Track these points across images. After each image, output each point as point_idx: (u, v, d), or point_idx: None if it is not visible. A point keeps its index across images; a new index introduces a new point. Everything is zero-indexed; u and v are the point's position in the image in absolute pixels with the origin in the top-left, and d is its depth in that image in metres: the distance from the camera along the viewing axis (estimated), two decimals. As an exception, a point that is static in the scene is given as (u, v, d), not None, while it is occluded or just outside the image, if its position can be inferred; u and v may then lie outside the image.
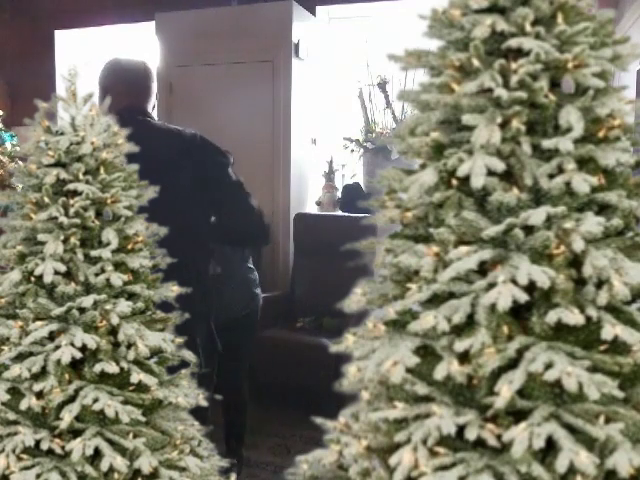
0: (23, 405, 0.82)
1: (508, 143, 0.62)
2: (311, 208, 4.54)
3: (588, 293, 0.60)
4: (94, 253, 0.85)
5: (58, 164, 0.87)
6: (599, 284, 0.60)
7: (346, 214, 4.22)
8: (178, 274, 2.07)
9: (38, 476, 0.78)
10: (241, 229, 2.21)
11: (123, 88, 2.22)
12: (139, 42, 4.88)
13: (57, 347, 0.81)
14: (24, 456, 0.80)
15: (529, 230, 0.61)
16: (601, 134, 0.63)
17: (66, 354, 0.80)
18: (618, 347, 0.59)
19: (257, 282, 2.92)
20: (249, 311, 2.85)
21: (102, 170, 0.88)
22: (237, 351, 2.77)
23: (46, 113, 0.90)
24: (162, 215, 2.10)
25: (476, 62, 0.63)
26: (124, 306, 0.84)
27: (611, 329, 0.58)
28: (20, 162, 3.82)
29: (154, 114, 2.31)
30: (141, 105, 2.23)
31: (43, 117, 0.90)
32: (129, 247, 0.88)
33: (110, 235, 0.86)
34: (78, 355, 0.81)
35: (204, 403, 0.91)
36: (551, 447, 0.56)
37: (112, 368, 0.82)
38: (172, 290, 0.92)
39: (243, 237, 2.26)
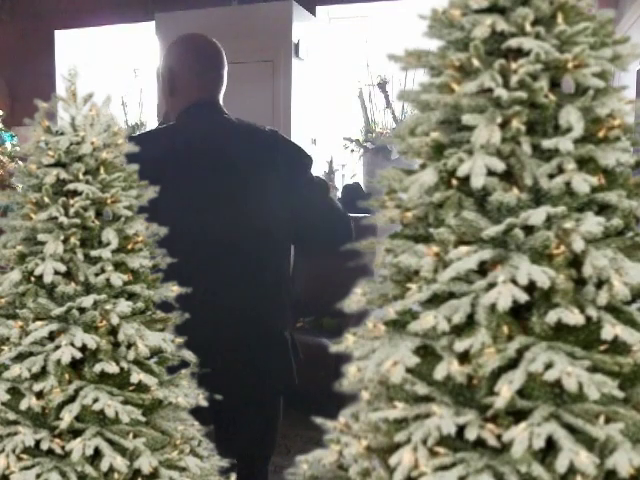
0: (23, 405, 0.82)
1: (508, 143, 0.62)
2: (311, 208, 4.53)
3: (588, 293, 0.60)
4: (94, 253, 0.85)
5: (58, 164, 0.87)
6: (599, 284, 0.60)
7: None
8: (259, 276, 1.98)
9: (38, 476, 0.78)
10: (328, 227, 2.03)
11: (197, 76, 1.98)
12: (139, 42, 4.88)
13: (57, 347, 0.81)
14: (24, 456, 0.80)
15: (529, 230, 0.61)
16: (601, 134, 0.63)
17: (66, 354, 0.80)
18: (618, 347, 0.60)
19: None
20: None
21: (102, 170, 0.88)
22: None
23: (46, 113, 0.90)
24: (242, 216, 2.02)
25: (476, 62, 0.63)
26: (124, 306, 0.84)
27: (611, 329, 0.58)
28: (20, 162, 3.82)
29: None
30: (214, 98, 1.99)
31: (43, 117, 0.90)
32: (129, 247, 0.88)
33: (110, 235, 0.86)
34: (78, 355, 0.81)
35: (204, 403, 0.91)
36: (551, 447, 0.56)
37: (112, 368, 0.82)
38: (172, 290, 0.92)
39: (330, 236, 2.06)
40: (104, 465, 0.78)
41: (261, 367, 1.98)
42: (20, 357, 0.84)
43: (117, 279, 0.85)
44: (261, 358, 1.97)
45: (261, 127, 2.01)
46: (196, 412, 0.93)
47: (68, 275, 0.86)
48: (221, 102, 2.05)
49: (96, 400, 0.80)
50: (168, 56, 2.03)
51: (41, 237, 0.85)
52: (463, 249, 0.61)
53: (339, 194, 4.46)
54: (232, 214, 1.88)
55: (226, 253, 1.89)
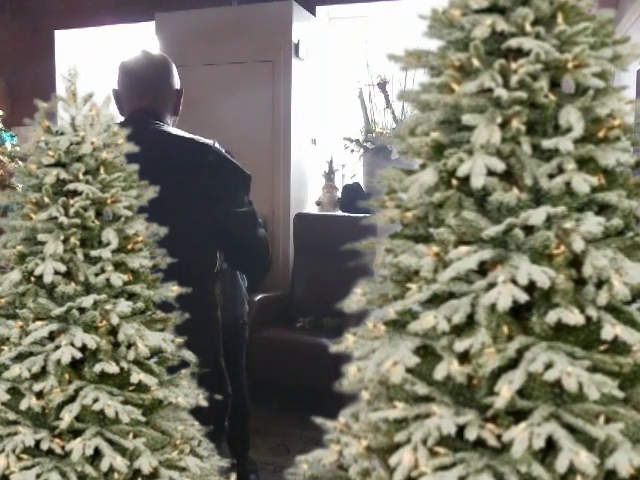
0: (23, 405, 0.82)
1: (508, 143, 0.62)
2: (311, 208, 4.54)
3: (588, 293, 0.60)
4: (94, 253, 0.85)
5: (58, 164, 0.87)
6: (599, 284, 0.60)
7: (346, 214, 4.23)
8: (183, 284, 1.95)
9: (38, 476, 0.78)
10: (243, 266, 2.06)
11: (130, 92, 2.02)
12: (139, 42, 4.88)
13: (57, 347, 0.81)
14: (24, 456, 0.80)
15: (529, 230, 0.61)
16: (601, 134, 0.63)
17: (66, 354, 0.80)
18: (618, 347, 0.60)
19: (245, 286, 2.90)
20: (243, 316, 2.85)
21: (102, 170, 0.88)
22: (236, 357, 2.75)
23: (46, 113, 0.90)
24: (163, 219, 1.97)
25: (476, 62, 0.63)
26: (124, 306, 0.84)
27: (611, 329, 0.58)
28: (20, 162, 3.82)
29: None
30: (151, 107, 1.99)
31: (43, 117, 0.90)
32: (129, 247, 0.88)
33: (110, 235, 0.86)
34: (78, 355, 0.81)
35: (204, 403, 0.91)
36: (551, 447, 0.56)
37: (112, 368, 0.82)
38: (172, 290, 0.92)
39: (243, 271, 2.14)
40: (104, 465, 0.78)
41: None
42: (20, 357, 0.84)
43: (117, 279, 0.85)
44: None
45: (198, 140, 1.95)
46: None
47: (68, 275, 0.86)
48: (167, 115, 2.03)
49: (96, 400, 0.80)
50: (117, 79, 2.09)
51: (41, 237, 0.85)
52: (463, 249, 0.61)
53: (339, 194, 4.46)
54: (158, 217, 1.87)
55: None
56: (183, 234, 1.84)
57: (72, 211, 0.85)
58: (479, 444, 0.59)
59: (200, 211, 1.88)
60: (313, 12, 4.38)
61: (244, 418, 2.87)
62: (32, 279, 0.86)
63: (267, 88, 4.13)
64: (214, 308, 2.01)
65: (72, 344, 0.81)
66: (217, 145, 2.01)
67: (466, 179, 0.62)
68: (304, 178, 4.42)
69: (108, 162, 0.89)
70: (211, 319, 2.01)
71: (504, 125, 0.62)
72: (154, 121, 1.97)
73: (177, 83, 2.10)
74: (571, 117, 0.61)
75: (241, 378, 2.86)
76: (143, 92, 2.01)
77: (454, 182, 0.64)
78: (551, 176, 0.62)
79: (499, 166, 0.61)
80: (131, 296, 0.87)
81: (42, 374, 0.82)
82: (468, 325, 0.61)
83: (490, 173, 0.62)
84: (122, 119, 2.07)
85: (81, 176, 0.86)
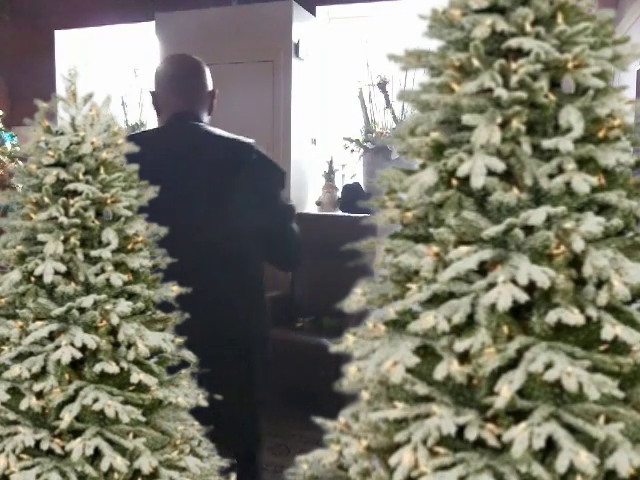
0: (23, 405, 0.82)
1: (508, 143, 0.62)
2: (311, 208, 4.54)
3: (588, 293, 0.60)
4: (94, 253, 0.85)
5: (58, 164, 0.87)
6: (599, 284, 0.60)
7: (346, 214, 4.23)
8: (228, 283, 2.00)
9: (38, 476, 0.78)
10: (279, 257, 2.17)
11: (171, 93, 2.10)
12: (139, 42, 4.88)
13: (57, 347, 0.81)
14: (24, 456, 0.80)
15: (529, 230, 0.61)
16: (601, 134, 0.63)
17: (66, 354, 0.80)
18: (618, 347, 0.60)
19: None
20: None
21: (102, 170, 0.88)
22: None
23: (46, 113, 0.90)
24: (209, 219, 2.07)
25: (476, 62, 0.63)
26: (124, 306, 0.84)
27: (611, 329, 0.58)
28: (20, 162, 3.82)
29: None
30: (192, 109, 2.08)
31: (43, 117, 0.90)
32: (129, 247, 0.88)
33: (110, 235, 0.86)
34: (78, 355, 0.81)
35: (204, 403, 0.91)
36: (551, 447, 0.56)
37: (112, 368, 0.82)
38: (172, 290, 0.92)
39: (278, 262, 2.22)
40: (104, 465, 0.78)
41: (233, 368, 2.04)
42: (20, 357, 0.84)
43: (117, 279, 0.85)
44: (232, 359, 2.04)
45: (242, 140, 2.06)
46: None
47: (68, 275, 0.86)
48: (204, 115, 2.14)
49: (96, 400, 0.80)
50: (153, 81, 2.19)
51: (41, 237, 0.85)
52: (463, 249, 0.61)
53: (339, 194, 4.46)
54: (198, 219, 1.96)
55: (196, 253, 1.92)
56: (234, 226, 1.96)
57: (72, 211, 0.85)
58: (479, 444, 0.59)
59: (246, 205, 1.98)
60: (313, 12, 4.38)
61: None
62: (32, 279, 0.86)
63: (267, 88, 4.13)
64: (264, 293, 2.15)
65: (72, 344, 0.81)
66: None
67: (466, 179, 0.62)
68: (304, 178, 4.42)
69: (108, 162, 0.89)
70: (263, 302, 2.15)
71: (504, 125, 0.62)
72: (196, 122, 2.08)
73: (211, 84, 2.19)
74: (571, 117, 0.61)
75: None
76: (183, 94, 2.10)
77: (454, 182, 0.64)
78: (551, 176, 0.62)
79: (499, 166, 0.61)
80: (131, 296, 0.87)
81: (42, 374, 0.82)
82: (468, 325, 0.61)
83: (490, 173, 0.62)
84: (159, 119, 2.17)
85: (81, 176, 0.86)
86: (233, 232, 1.99)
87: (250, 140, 2.07)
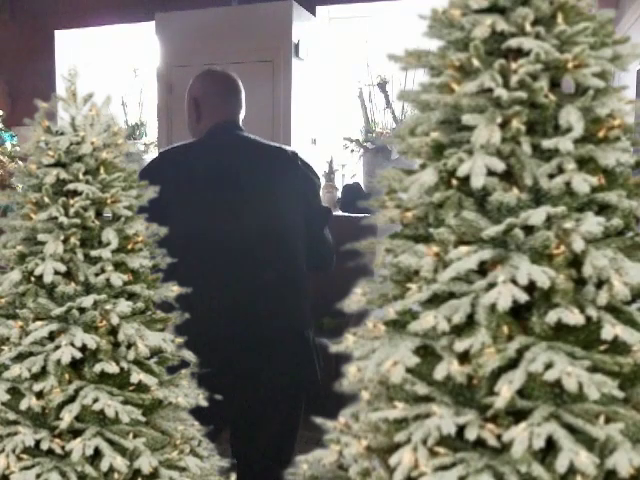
0: (23, 405, 0.82)
1: (508, 143, 0.62)
2: (311, 208, 4.53)
3: (588, 293, 0.60)
4: (94, 253, 0.85)
5: (58, 164, 0.87)
6: (599, 284, 0.60)
7: (346, 214, 4.22)
8: (281, 290, 2.19)
9: (38, 476, 0.78)
10: (317, 259, 2.25)
11: (219, 101, 2.22)
12: (139, 42, 4.88)
13: (57, 347, 0.81)
14: (24, 456, 0.80)
15: (529, 230, 0.61)
16: (601, 134, 0.63)
17: (66, 354, 0.80)
18: (618, 347, 0.60)
19: None
20: None
21: (102, 170, 0.88)
22: None
23: (46, 113, 0.90)
24: (258, 225, 2.24)
25: (476, 62, 0.63)
26: (124, 306, 0.84)
27: (611, 329, 0.58)
28: (20, 162, 3.82)
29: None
30: (235, 119, 2.23)
31: (43, 117, 0.90)
32: (129, 247, 0.88)
33: (110, 235, 0.86)
34: (78, 355, 0.81)
35: (204, 403, 0.91)
36: (551, 447, 0.56)
37: (112, 368, 0.82)
38: (172, 290, 0.92)
39: (316, 264, 2.29)
40: (104, 465, 0.78)
41: (282, 367, 2.10)
42: (20, 357, 0.84)
43: (117, 279, 0.85)
44: (282, 358, 2.10)
45: (287, 148, 2.23)
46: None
47: (68, 275, 0.86)
48: (240, 124, 2.26)
49: (96, 400, 0.80)
50: (192, 89, 2.28)
51: (41, 237, 0.85)
52: (463, 249, 0.61)
53: (339, 194, 4.46)
54: (250, 223, 2.08)
55: (243, 258, 2.04)
56: (286, 229, 2.13)
57: (72, 211, 0.85)
58: (479, 444, 0.59)
59: (293, 209, 2.13)
60: (313, 12, 4.38)
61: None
62: (32, 279, 0.86)
63: (267, 88, 4.13)
64: (307, 292, 2.24)
65: (72, 344, 0.81)
66: None
67: (466, 179, 0.62)
68: (304, 178, 4.42)
69: (108, 162, 0.89)
70: (306, 302, 2.24)
71: (504, 125, 0.62)
72: (241, 132, 2.21)
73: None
74: (571, 117, 0.61)
75: None
76: (231, 105, 2.24)
77: (454, 182, 0.64)
78: (551, 176, 0.62)
79: (499, 166, 0.61)
80: (131, 296, 0.87)
81: (42, 374, 0.82)
82: (468, 325, 0.61)
83: (490, 173, 0.62)
84: (199, 126, 2.27)
85: (81, 176, 0.86)
86: (285, 235, 2.12)
87: (293, 148, 2.26)
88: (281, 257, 2.11)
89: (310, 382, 2.19)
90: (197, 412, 0.91)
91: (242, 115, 2.26)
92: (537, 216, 0.60)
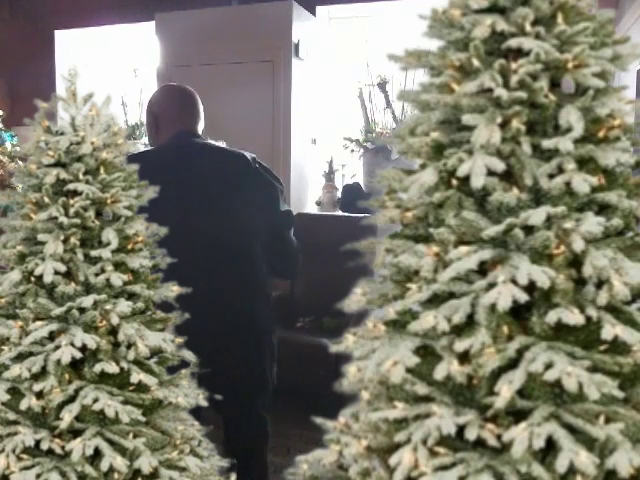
0: (23, 405, 0.82)
1: (508, 143, 0.62)
2: (311, 208, 4.54)
3: (588, 293, 0.60)
4: (94, 253, 0.85)
5: (58, 164, 0.87)
6: (599, 284, 0.60)
7: (346, 214, 4.22)
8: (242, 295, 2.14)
9: (38, 476, 0.78)
10: (278, 264, 2.27)
11: (176, 114, 2.28)
12: (139, 42, 4.88)
13: (57, 347, 0.81)
14: (24, 456, 0.80)
15: (529, 230, 0.61)
16: (601, 134, 0.63)
17: (66, 354, 0.80)
18: (618, 347, 0.60)
19: None
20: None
21: (102, 170, 0.88)
22: None
23: (46, 113, 0.90)
24: (216, 227, 2.24)
25: (476, 62, 0.63)
26: (124, 306, 0.84)
27: (611, 329, 0.58)
28: (20, 162, 3.82)
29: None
30: (194, 129, 2.28)
31: (43, 117, 0.90)
32: (129, 247, 0.88)
33: (110, 235, 0.86)
34: (78, 355, 0.81)
35: (204, 403, 0.91)
36: (551, 447, 0.56)
37: (112, 368, 0.82)
38: (172, 290, 0.92)
39: (277, 269, 2.32)
40: (104, 465, 0.78)
41: (232, 367, 2.17)
42: (20, 357, 0.84)
43: (117, 279, 0.85)
44: (231, 358, 2.17)
45: (244, 152, 2.23)
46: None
47: (68, 275, 0.86)
48: (200, 133, 2.33)
49: (96, 400, 0.80)
50: (151, 104, 2.37)
51: (41, 237, 0.85)
52: (463, 249, 0.61)
53: (339, 194, 4.46)
54: (205, 227, 2.13)
55: (196, 262, 2.04)
56: (244, 234, 2.14)
57: (72, 211, 0.85)
58: (479, 444, 0.59)
59: (252, 213, 2.16)
60: (313, 12, 4.38)
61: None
62: (32, 279, 0.86)
63: (267, 88, 4.13)
64: (266, 297, 2.28)
65: (72, 344, 0.81)
66: None
67: (466, 179, 0.62)
68: (304, 178, 4.42)
69: (108, 162, 0.89)
70: (264, 306, 2.28)
71: (504, 125, 0.62)
72: (199, 139, 2.25)
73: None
74: (571, 117, 0.61)
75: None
76: (188, 115, 2.30)
77: (454, 182, 0.64)
78: (551, 176, 0.62)
79: (499, 166, 0.61)
80: (131, 296, 0.87)
81: (42, 374, 0.82)
82: (468, 325, 0.61)
83: (490, 173, 0.62)
84: (157, 137, 2.34)
85: (81, 176, 0.86)
86: (243, 238, 2.15)
87: (251, 153, 2.25)
88: (235, 262, 2.15)
89: (261, 387, 2.27)
90: None
91: (201, 127, 2.33)
92: (537, 216, 0.60)
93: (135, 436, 0.82)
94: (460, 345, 0.60)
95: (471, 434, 0.58)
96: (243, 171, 2.16)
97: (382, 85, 4.25)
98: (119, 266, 0.86)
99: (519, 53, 0.62)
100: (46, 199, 0.86)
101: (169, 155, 2.20)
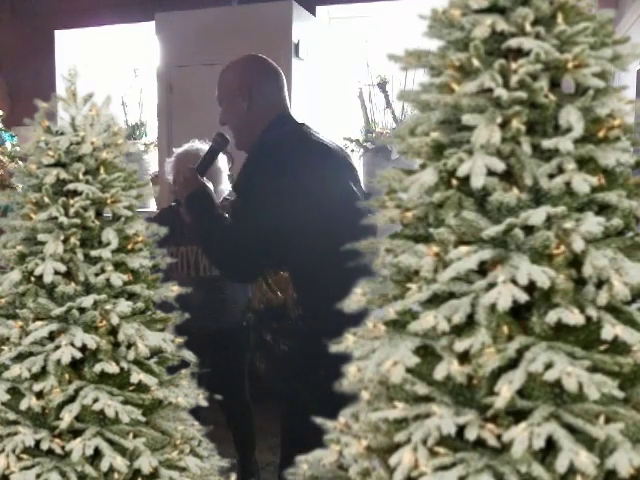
0: (23, 405, 0.82)
1: (508, 143, 0.62)
2: (311, 208, 4.53)
3: (588, 293, 0.60)
4: (94, 253, 0.85)
5: (58, 164, 0.87)
6: (599, 284, 0.60)
7: (346, 214, 4.22)
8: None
9: (38, 476, 0.78)
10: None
11: (279, 92, 2.23)
12: (139, 42, 4.88)
13: (57, 347, 0.81)
14: (24, 456, 0.80)
15: (529, 230, 0.61)
16: (601, 134, 0.63)
17: (66, 354, 0.80)
18: (618, 347, 0.59)
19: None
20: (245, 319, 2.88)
21: (102, 170, 0.88)
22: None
23: (46, 113, 0.90)
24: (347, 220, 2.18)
25: (476, 62, 0.63)
26: (124, 306, 0.84)
27: (611, 329, 0.58)
28: (20, 162, 3.81)
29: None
30: (289, 112, 2.25)
31: (43, 117, 0.90)
32: (129, 247, 0.88)
33: (110, 235, 0.86)
34: (78, 355, 0.81)
35: (204, 403, 0.91)
36: (551, 447, 0.56)
37: (112, 368, 0.82)
38: (172, 290, 0.92)
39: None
40: (104, 465, 0.78)
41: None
42: (20, 357, 0.84)
43: (117, 279, 0.85)
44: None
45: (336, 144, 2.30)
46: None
47: (68, 275, 0.86)
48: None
49: (96, 400, 0.80)
50: (242, 74, 2.26)
51: (41, 237, 0.85)
52: (463, 249, 0.61)
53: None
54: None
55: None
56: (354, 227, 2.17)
57: (72, 211, 0.85)
58: (479, 444, 0.59)
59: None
60: (313, 12, 4.37)
61: (248, 419, 2.96)
62: (32, 279, 0.86)
63: (267, 88, 4.12)
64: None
65: (72, 344, 0.81)
66: None
67: (466, 179, 0.62)
68: (304, 178, 4.41)
69: (108, 162, 0.89)
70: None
71: (504, 125, 0.62)
72: (301, 126, 2.27)
73: None
74: (571, 117, 0.61)
75: (242, 381, 2.91)
76: (286, 97, 2.26)
77: (454, 182, 0.64)
78: (551, 176, 0.62)
79: (499, 166, 0.61)
80: (131, 296, 0.87)
81: (42, 374, 0.82)
82: (468, 325, 0.61)
83: (490, 173, 0.62)
84: (254, 110, 2.23)
85: (81, 176, 0.86)
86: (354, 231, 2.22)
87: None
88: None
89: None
90: None
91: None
92: (537, 216, 0.60)
93: (135, 436, 0.82)
94: (460, 345, 0.60)
95: (471, 434, 0.58)
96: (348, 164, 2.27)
97: (382, 85, 4.25)
98: (119, 266, 0.86)
99: (519, 53, 0.62)
100: (46, 199, 0.86)
101: (303, 147, 2.21)
